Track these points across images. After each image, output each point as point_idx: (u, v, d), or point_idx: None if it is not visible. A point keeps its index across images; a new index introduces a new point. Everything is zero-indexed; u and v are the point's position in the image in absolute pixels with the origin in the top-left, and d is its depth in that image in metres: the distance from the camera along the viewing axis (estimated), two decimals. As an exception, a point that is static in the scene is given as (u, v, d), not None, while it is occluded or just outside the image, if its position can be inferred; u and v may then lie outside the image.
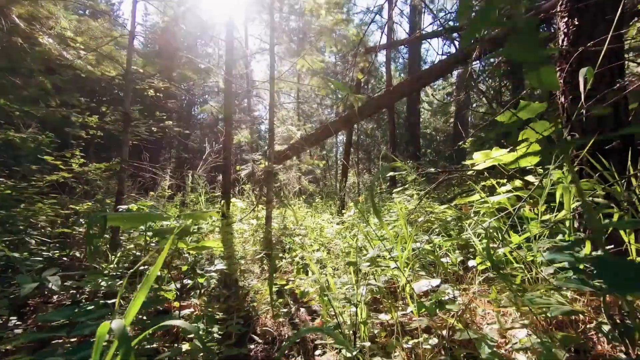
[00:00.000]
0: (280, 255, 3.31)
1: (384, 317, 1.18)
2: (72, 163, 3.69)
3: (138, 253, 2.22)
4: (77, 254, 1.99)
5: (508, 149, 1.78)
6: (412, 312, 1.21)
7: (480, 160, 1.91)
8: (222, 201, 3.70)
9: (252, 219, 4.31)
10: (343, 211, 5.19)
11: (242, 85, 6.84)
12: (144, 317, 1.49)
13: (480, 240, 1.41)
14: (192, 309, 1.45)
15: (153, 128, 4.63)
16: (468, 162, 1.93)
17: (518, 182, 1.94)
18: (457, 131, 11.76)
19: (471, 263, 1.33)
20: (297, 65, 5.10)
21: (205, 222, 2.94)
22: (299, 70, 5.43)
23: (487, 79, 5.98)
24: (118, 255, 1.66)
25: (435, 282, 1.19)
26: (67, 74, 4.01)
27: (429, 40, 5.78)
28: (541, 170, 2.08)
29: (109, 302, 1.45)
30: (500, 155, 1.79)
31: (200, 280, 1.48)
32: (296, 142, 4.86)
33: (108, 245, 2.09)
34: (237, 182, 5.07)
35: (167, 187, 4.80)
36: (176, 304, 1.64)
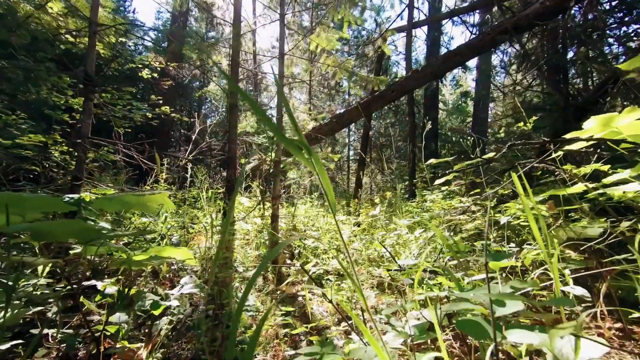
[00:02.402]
0: (288, 262, 2.74)
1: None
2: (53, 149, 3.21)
3: (98, 259, 1.66)
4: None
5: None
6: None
7: (592, 131, 1.26)
8: (223, 198, 3.15)
9: (257, 217, 3.76)
10: (360, 210, 4.58)
11: (250, 70, 6.30)
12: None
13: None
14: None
15: (148, 114, 4.13)
16: (572, 135, 1.29)
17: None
18: (475, 130, 11.01)
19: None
20: (311, 45, 4.53)
21: (158, 211, 2.33)
22: (313, 52, 4.86)
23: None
24: (46, 268, 1.11)
25: (603, 348, 0.58)
26: (51, 50, 3.54)
27: (460, 16, 5.09)
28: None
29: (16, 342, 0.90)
30: (631, 123, 1.15)
31: (156, 312, 0.91)
32: (309, 131, 4.28)
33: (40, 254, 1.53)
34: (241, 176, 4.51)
35: (163, 179, 4.27)
36: (124, 343, 1.06)
